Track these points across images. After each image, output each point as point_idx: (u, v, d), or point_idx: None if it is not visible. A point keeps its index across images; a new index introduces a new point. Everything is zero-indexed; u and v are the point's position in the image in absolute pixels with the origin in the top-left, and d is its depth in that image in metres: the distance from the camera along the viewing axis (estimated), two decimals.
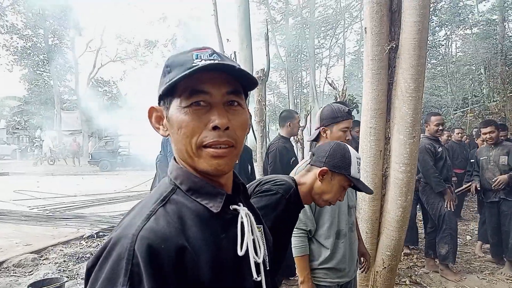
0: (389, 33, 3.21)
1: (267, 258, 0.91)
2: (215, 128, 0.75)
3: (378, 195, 3.22)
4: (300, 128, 5.78)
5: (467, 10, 17.19)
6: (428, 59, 18.91)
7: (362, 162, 3.19)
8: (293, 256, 2.09)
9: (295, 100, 17.28)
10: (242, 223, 0.80)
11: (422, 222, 5.19)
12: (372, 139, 3.20)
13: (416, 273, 4.41)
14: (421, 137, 4.74)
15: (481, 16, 17.60)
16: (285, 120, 4.26)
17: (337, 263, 2.08)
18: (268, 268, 0.90)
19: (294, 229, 2.05)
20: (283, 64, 15.51)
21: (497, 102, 12.56)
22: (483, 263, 4.72)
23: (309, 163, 1.66)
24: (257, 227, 0.88)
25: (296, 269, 2.09)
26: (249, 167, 4.15)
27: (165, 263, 0.65)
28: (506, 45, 14.74)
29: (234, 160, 0.81)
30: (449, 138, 6.95)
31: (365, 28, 3.26)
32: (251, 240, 0.80)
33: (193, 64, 0.75)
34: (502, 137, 5.00)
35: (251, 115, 0.91)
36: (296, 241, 2.07)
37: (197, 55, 0.78)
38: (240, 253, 0.76)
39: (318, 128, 2.19)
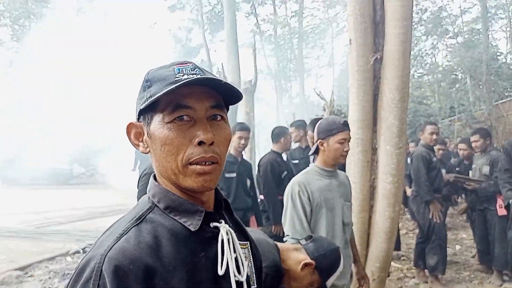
0: (374, 44, 3.24)
1: (253, 276, 0.89)
2: (200, 143, 0.74)
3: (367, 206, 3.21)
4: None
5: (451, 19, 17.53)
6: (415, 69, 19.21)
7: (349, 174, 3.19)
8: None
9: (285, 110, 17.36)
10: (222, 241, 0.77)
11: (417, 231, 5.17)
12: (359, 150, 3.20)
13: (406, 284, 4.39)
14: (418, 145, 4.79)
15: (465, 26, 17.95)
16: (278, 136, 4.28)
17: None
18: (254, 286, 0.88)
19: (290, 239, 2.05)
20: (272, 74, 15.59)
21: (483, 110, 12.73)
22: (472, 273, 4.72)
23: (300, 243, 1.63)
24: (242, 244, 0.86)
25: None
26: (249, 181, 4.12)
27: (133, 284, 0.64)
28: (490, 54, 15.02)
29: (218, 176, 0.79)
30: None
31: (350, 39, 3.28)
32: (232, 259, 0.78)
33: (176, 79, 0.74)
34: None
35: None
36: None
37: (179, 69, 0.76)
38: (220, 272, 0.74)
39: (316, 141, 2.18)
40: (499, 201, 4.30)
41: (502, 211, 4.26)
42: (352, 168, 3.22)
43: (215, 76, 0.79)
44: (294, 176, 2.35)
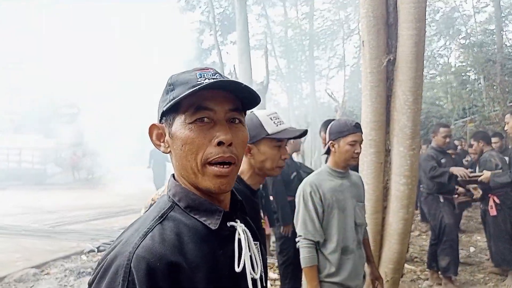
0: (386, 46, 3.24)
1: (263, 274, 0.92)
2: (219, 143, 0.77)
3: (380, 208, 3.21)
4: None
5: (464, 20, 17.33)
6: (428, 70, 19.02)
7: (362, 175, 3.19)
8: (302, 266, 2.11)
9: (296, 111, 17.34)
10: (239, 239, 0.81)
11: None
12: (372, 151, 3.21)
13: (419, 286, 4.37)
14: (428, 147, 4.79)
15: (479, 26, 17.73)
16: None
17: (343, 279, 2.09)
18: (265, 285, 0.92)
19: (302, 240, 2.07)
20: (283, 76, 15.60)
21: (497, 111, 12.54)
22: (487, 275, 4.67)
23: None
24: (254, 243, 0.88)
25: (305, 280, 2.10)
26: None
27: (160, 281, 0.67)
28: (504, 54, 14.80)
29: (235, 178, 0.83)
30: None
31: (363, 41, 3.30)
32: (248, 257, 0.81)
33: (198, 82, 0.78)
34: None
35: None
36: (304, 252, 2.08)
37: (201, 74, 0.80)
38: (238, 269, 0.78)
39: (327, 143, 2.20)
40: (491, 202, 4.38)
41: (493, 212, 4.36)
42: (365, 170, 3.23)
43: (234, 80, 0.83)
44: (303, 177, 2.37)
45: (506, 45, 16.63)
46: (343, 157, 2.10)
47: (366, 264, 2.37)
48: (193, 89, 0.75)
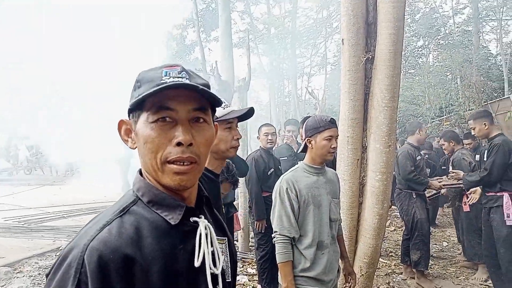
0: (366, 45, 3.29)
1: (229, 270, 0.94)
2: (179, 144, 0.78)
3: (356, 203, 3.27)
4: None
5: (443, 20, 17.73)
6: (407, 69, 19.39)
7: (339, 171, 3.25)
8: (277, 262, 2.13)
9: (277, 108, 17.41)
10: (200, 234, 0.82)
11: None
12: (350, 148, 3.25)
13: (393, 279, 4.48)
14: (404, 143, 4.92)
15: (457, 27, 18.17)
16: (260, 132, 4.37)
17: (317, 274, 2.12)
18: (228, 280, 0.93)
19: (278, 236, 2.10)
20: (266, 73, 15.63)
21: (472, 110, 12.89)
22: (459, 269, 4.83)
23: None
24: (220, 239, 0.91)
25: (280, 275, 2.13)
26: None
27: (112, 273, 0.68)
28: (480, 55, 15.24)
29: (197, 176, 0.84)
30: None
31: (343, 39, 3.33)
32: (209, 252, 0.82)
33: (161, 81, 0.79)
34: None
35: (217, 129, 0.94)
36: (280, 247, 2.11)
37: (166, 72, 0.81)
38: (197, 264, 0.79)
39: (304, 139, 2.24)
40: (465, 198, 4.58)
41: (466, 208, 4.56)
42: (342, 166, 3.28)
43: (200, 79, 0.85)
44: (281, 173, 2.41)
45: (482, 46, 17.12)
46: (320, 152, 2.14)
47: (340, 260, 2.42)
48: (155, 88, 0.76)
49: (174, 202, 0.82)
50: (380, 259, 5.21)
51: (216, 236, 0.89)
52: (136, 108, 0.81)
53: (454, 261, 5.12)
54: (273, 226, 2.18)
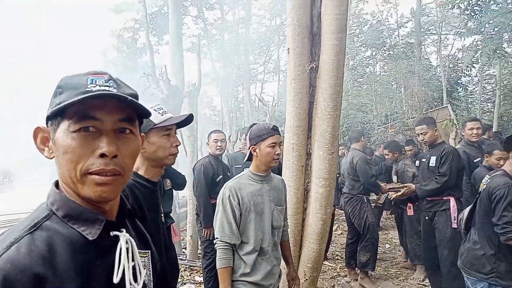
0: (310, 54, 3.38)
1: (151, 283, 0.91)
2: (102, 155, 0.75)
3: (300, 209, 3.34)
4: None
5: (389, 32, 18.71)
6: (355, 78, 20.22)
7: (285, 177, 3.31)
8: (217, 267, 2.16)
9: (230, 114, 17.42)
10: (120, 249, 0.79)
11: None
12: (295, 155, 3.33)
13: (338, 282, 4.62)
14: (350, 149, 5.12)
15: (401, 39, 19.24)
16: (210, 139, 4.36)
17: (257, 279, 2.15)
18: None
19: (219, 242, 2.10)
20: (219, 79, 15.60)
21: (415, 118, 13.67)
22: (399, 270, 5.07)
23: None
24: (143, 252, 0.88)
25: (219, 280, 2.15)
26: None
27: None
28: (422, 66, 16.25)
29: (120, 188, 0.80)
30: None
31: (288, 48, 3.41)
32: (129, 267, 0.79)
33: (86, 89, 0.75)
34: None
35: (143, 140, 0.91)
36: (220, 253, 2.13)
37: (92, 79, 0.77)
38: (115, 279, 0.76)
39: (249, 148, 2.26)
40: (409, 203, 4.80)
41: (410, 212, 4.79)
42: (287, 172, 3.34)
43: (129, 88, 0.82)
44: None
45: (424, 58, 18.27)
46: (265, 159, 2.17)
47: (285, 265, 2.47)
48: (80, 97, 0.72)
49: (93, 216, 0.78)
50: (326, 263, 5.35)
51: (139, 249, 0.85)
52: (56, 115, 0.77)
53: (395, 263, 5.38)
54: (215, 233, 2.18)
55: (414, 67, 15.65)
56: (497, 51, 11.27)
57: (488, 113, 14.94)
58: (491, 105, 13.85)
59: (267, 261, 2.20)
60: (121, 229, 0.82)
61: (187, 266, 5.15)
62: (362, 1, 16.95)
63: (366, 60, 20.41)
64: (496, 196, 2.35)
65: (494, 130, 11.22)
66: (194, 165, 4.37)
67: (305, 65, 3.33)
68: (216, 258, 2.15)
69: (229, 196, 2.14)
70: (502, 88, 14.35)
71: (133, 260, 0.82)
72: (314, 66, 3.37)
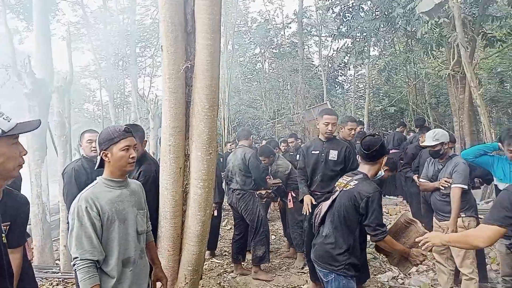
0: (185, 53, 3.29)
1: None
2: None
3: (179, 212, 3.25)
4: None
5: (276, 32, 19.62)
6: (246, 74, 20.79)
7: (162, 180, 3.19)
8: None
9: (117, 109, 16.38)
10: None
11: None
12: (172, 156, 3.22)
13: (224, 279, 4.67)
14: (238, 146, 5.22)
15: (287, 39, 20.35)
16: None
17: None
18: None
19: (79, 262, 1.88)
20: (102, 71, 14.47)
21: (299, 114, 14.63)
22: (282, 260, 5.35)
23: None
24: None
25: None
26: None
27: None
28: (305, 65, 17.45)
29: None
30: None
31: (162, 46, 3.27)
32: None
33: None
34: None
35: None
36: (83, 274, 1.90)
37: None
38: None
39: (100, 153, 2.07)
40: (289, 196, 5.20)
41: (290, 204, 5.18)
42: (164, 175, 3.21)
43: None
44: None
45: (307, 57, 19.64)
46: (119, 164, 2.04)
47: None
48: None
49: None
50: (214, 260, 5.38)
51: None
52: None
53: (279, 253, 5.66)
54: (71, 253, 1.95)
55: (298, 65, 16.68)
56: (363, 53, 12.72)
57: (361, 109, 16.73)
58: (363, 102, 15.52)
59: (134, 270, 2.08)
60: None
61: (61, 279, 4.67)
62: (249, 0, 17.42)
63: (255, 57, 21.10)
64: (368, 200, 2.46)
65: (365, 126, 12.64)
66: (64, 169, 3.94)
67: (180, 64, 3.23)
68: (79, 281, 1.91)
69: (86, 207, 1.94)
70: (371, 87, 16.20)
71: None
72: (190, 65, 3.29)
